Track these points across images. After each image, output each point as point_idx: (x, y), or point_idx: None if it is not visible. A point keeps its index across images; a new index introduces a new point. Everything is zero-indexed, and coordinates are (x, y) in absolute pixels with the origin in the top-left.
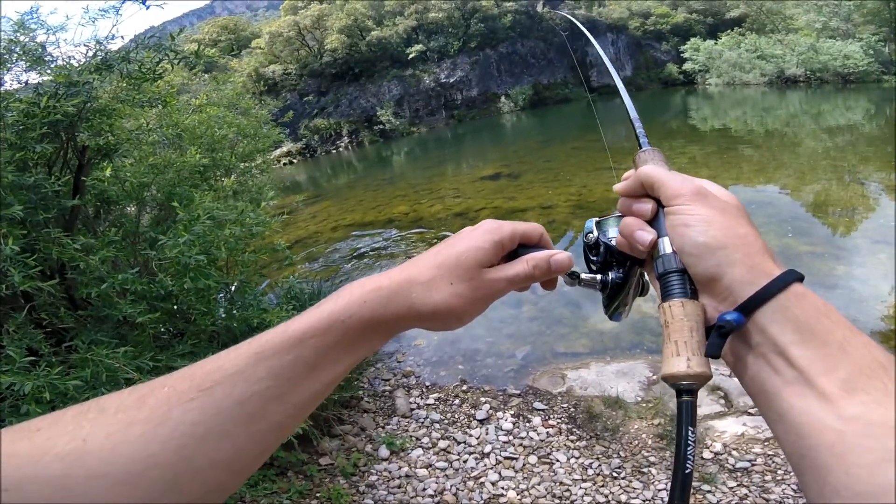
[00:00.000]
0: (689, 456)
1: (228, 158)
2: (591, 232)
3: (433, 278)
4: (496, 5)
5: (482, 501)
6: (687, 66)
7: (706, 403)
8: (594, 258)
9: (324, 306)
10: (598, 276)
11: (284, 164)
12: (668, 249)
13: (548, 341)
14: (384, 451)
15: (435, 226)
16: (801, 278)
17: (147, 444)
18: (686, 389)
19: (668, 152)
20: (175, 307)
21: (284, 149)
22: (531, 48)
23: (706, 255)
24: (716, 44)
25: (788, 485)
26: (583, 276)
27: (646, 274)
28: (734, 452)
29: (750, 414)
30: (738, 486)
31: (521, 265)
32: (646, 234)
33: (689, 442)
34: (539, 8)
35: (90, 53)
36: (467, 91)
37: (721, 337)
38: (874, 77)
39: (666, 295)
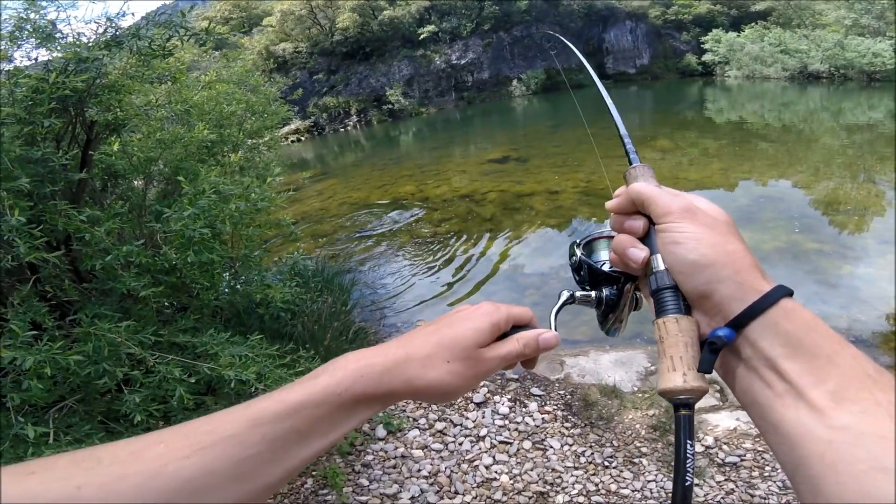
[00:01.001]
0: (689, 468)
1: (236, 135)
2: (574, 255)
3: (430, 355)
4: None
5: (475, 484)
6: (706, 57)
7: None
8: (578, 278)
9: (320, 378)
10: (593, 294)
11: (292, 141)
12: (661, 266)
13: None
14: (381, 431)
15: (440, 206)
16: (790, 293)
17: (140, 496)
18: (683, 404)
19: (680, 143)
20: (179, 281)
21: (292, 126)
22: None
23: (696, 273)
24: (738, 36)
25: (774, 482)
26: (577, 294)
27: (640, 290)
28: (725, 447)
29: (743, 409)
30: (725, 480)
31: (512, 343)
32: (638, 252)
33: (689, 455)
34: None
35: (100, 30)
36: (478, 73)
37: (713, 353)
38: None
39: (660, 311)
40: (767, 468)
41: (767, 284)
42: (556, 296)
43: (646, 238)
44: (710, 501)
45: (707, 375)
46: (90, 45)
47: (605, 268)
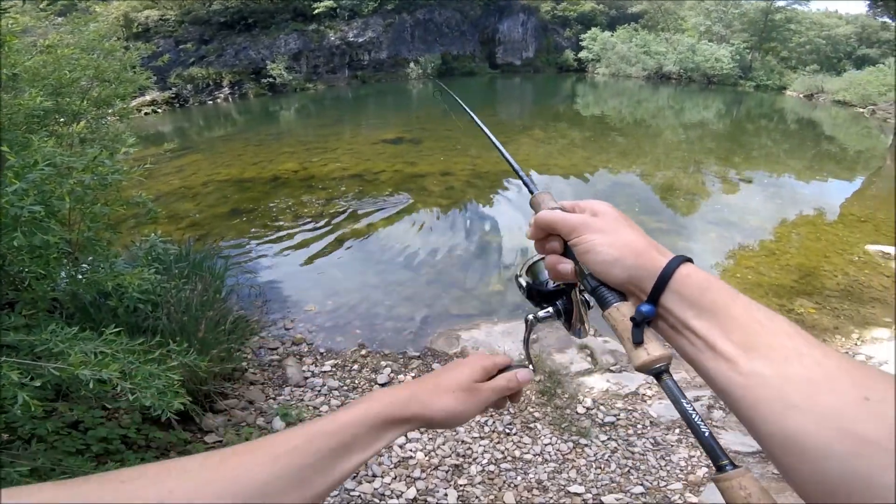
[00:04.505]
0: (699, 422)
1: (78, 104)
2: (521, 286)
3: (439, 388)
4: None
5: (392, 465)
6: (582, 54)
7: (577, 361)
8: (534, 301)
9: (362, 404)
10: (551, 309)
11: (146, 113)
12: (586, 272)
13: (444, 304)
14: (279, 423)
15: (328, 185)
16: (687, 260)
17: (223, 496)
18: (659, 372)
19: (552, 133)
20: (2, 269)
21: (148, 97)
22: (447, 18)
23: (609, 270)
24: (612, 35)
25: (647, 438)
26: (539, 314)
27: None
28: (602, 407)
29: (611, 371)
30: (608, 439)
31: (500, 380)
32: (566, 266)
33: (692, 411)
34: None
35: None
36: (376, 53)
37: (637, 326)
38: (732, 80)
39: (603, 305)
40: (639, 426)
41: (664, 258)
42: (448, 275)
43: (566, 252)
44: (599, 460)
45: (578, 341)
46: None
47: (550, 285)
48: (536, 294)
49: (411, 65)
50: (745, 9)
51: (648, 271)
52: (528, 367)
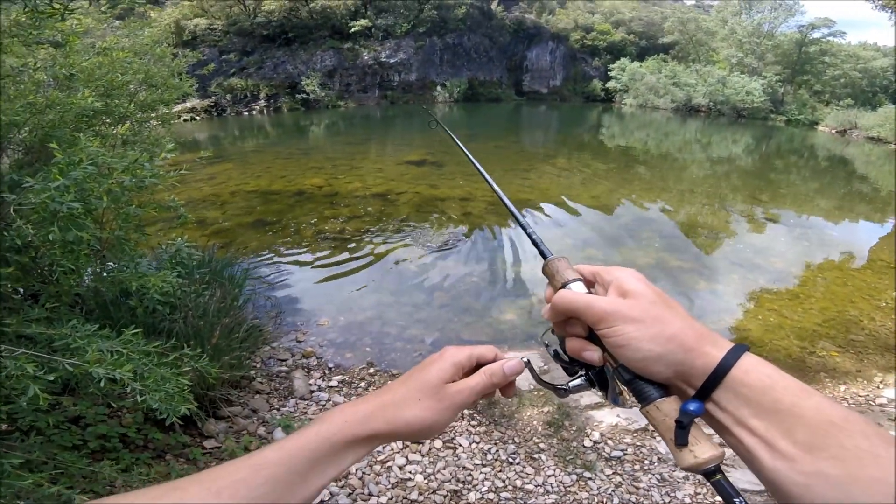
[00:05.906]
0: None
1: (126, 106)
2: (549, 342)
3: (404, 398)
4: None
5: (390, 485)
6: (610, 84)
7: (586, 394)
8: (566, 360)
9: (314, 427)
10: (582, 380)
11: (185, 119)
12: (618, 362)
13: (455, 328)
14: (279, 434)
15: (351, 203)
16: (744, 351)
17: None
18: (708, 473)
19: (575, 163)
20: (32, 262)
21: (189, 104)
22: (476, 43)
23: (650, 366)
24: (640, 66)
25: (654, 475)
26: (570, 385)
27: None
28: (609, 441)
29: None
30: (613, 473)
31: (479, 376)
32: (592, 354)
33: None
34: (493, 6)
35: None
36: (406, 74)
37: (682, 428)
38: (763, 114)
39: (641, 400)
40: (646, 462)
41: (719, 351)
42: (461, 301)
43: (591, 335)
44: (602, 494)
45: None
46: None
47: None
48: (564, 358)
49: (438, 88)
50: (778, 40)
51: (699, 367)
52: (519, 359)
